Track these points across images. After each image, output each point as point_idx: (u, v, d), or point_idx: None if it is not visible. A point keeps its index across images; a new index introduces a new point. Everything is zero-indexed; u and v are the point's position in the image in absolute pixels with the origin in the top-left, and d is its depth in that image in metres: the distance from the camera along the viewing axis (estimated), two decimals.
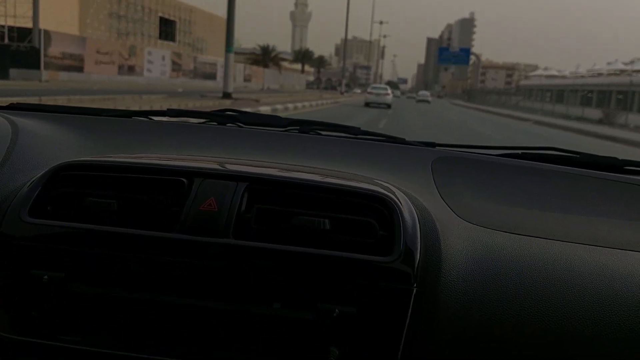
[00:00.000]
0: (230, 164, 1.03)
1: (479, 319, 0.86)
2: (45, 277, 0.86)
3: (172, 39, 52.01)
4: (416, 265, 0.86)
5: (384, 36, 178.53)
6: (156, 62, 43.57)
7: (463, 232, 0.96)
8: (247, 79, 63.44)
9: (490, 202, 1.12)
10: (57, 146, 1.16)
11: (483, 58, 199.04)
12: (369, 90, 35.23)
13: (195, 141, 1.29)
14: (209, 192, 0.90)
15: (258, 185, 0.92)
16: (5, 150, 1.07)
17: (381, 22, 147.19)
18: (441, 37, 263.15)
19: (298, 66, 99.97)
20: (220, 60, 53.16)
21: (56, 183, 0.94)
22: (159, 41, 49.86)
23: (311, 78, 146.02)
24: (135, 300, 0.87)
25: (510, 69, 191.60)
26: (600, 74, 48.98)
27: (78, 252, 0.88)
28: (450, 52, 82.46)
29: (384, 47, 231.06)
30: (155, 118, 1.45)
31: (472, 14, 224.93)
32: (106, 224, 0.89)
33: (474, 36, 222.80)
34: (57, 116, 1.34)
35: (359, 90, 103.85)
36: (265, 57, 76.25)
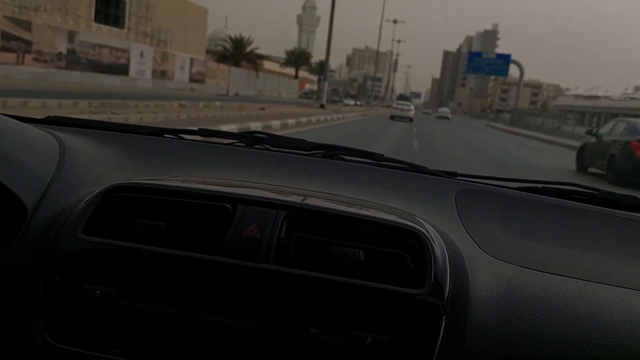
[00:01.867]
0: (270, 190, 1.08)
1: (502, 353, 0.88)
2: (98, 292, 0.91)
3: (119, 23, 37.37)
4: (445, 298, 0.89)
5: (398, 41, 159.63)
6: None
7: (488, 267, 0.99)
8: (196, 79, 45.62)
9: (513, 237, 1.15)
10: (101, 164, 1.23)
11: None
12: (394, 105, 41.72)
13: (226, 163, 1.37)
14: (251, 218, 0.94)
15: (297, 213, 0.97)
16: (55, 166, 1.12)
17: (395, 21, 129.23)
18: (459, 50, 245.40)
19: (291, 71, 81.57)
20: (136, 46, 37.09)
21: (107, 203, 1.00)
22: (95, 24, 34.71)
23: (315, 87, 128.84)
24: (179, 318, 0.91)
25: (535, 87, 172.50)
26: None
27: (128, 270, 0.92)
28: (483, 59, 64.86)
29: (397, 58, 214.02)
30: (187, 137, 1.52)
31: (495, 25, 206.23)
32: (155, 244, 0.94)
33: (497, 50, 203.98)
34: (94, 133, 1.40)
35: (352, 102, 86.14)
36: (237, 52, 58.25)
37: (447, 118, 56.20)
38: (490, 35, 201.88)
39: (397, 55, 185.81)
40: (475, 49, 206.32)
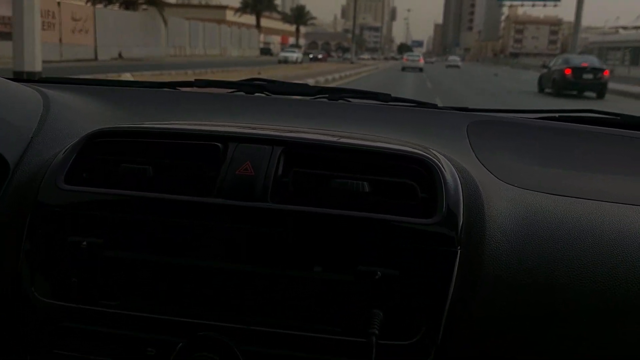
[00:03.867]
0: (266, 128, 1.02)
1: (522, 279, 0.85)
2: (84, 243, 0.87)
3: None
4: (460, 227, 0.85)
5: None
6: None
7: (505, 194, 0.95)
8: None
9: (530, 164, 1.10)
10: (89, 116, 1.18)
11: (519, 11, 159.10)
12: (404, 57, 48.14)
13: (224, 110, 1.32)
14: (244, 156, 0.90)
15: (294, 148, 0.92)
16: (38, 120, 1.09)
17: None
18: None
19: (251, 20, 62.67)
20: None
21: (90, 150, 0.95)
22: None
23: (302, 41, 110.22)
24: (173, 265, 0.88)
25: (554, 25, 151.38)
26: None
27: (115, 218, 0.89)
28: None
29: (395, 7, 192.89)
30: (183, 89, 1.50)
31: None
32: (142, 190, 0.90)
33: None
34: (88, 88, 1.38)
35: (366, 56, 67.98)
36: None
37: (457, 66, 57.95)
38: None
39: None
40: None
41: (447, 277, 0.83)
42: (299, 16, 78.05)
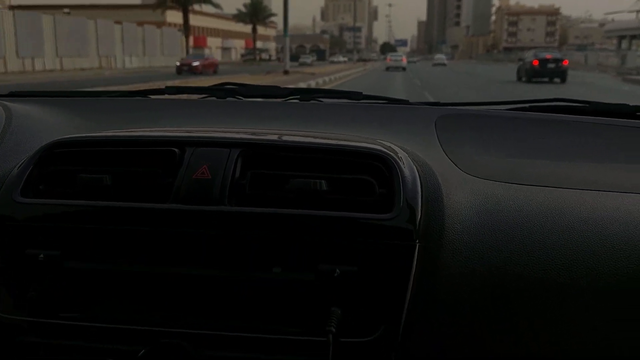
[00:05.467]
0: (224, 132, 1.02)
1: (484, 271, 0.84)
2: (41, 256, 0.86)
3: None
4: (418, 220, 0.85)
5: None
6: None
7: (466, 185, 0.95)
8: None
9: (496, 155, 1.11)
10: (53, 128, 1.16)
11: (511, 1, 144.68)
12: (388, 57, 48.68)
13: (193, 116, 1.29)
14: (201, 160, 0.89)
15: (252, 150, 0.92)
16: None
17: None
18: None
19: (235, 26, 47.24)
20: None
21: (49, 162, 0.94)
22: None
23: (273, 44, 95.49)
24: (132, 274, 0.87)
25: (551, 15, 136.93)
26: None
27: (72, 229, 0.88)
28: None
29: (376, 6, 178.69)
30: (154, 97, 1.47)
31: None
32: (99, 199, 0.89)
33: None
34: (56, 100, 1.36)
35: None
36: None
37: (444, 64, 58.88)
38: None
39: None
40: None
41: (406, 271, 0.83)
42: (255, 13, 62.46)
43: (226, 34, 71.93)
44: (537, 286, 0.84)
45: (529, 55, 24.69)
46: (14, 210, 0.89)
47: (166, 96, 1.44)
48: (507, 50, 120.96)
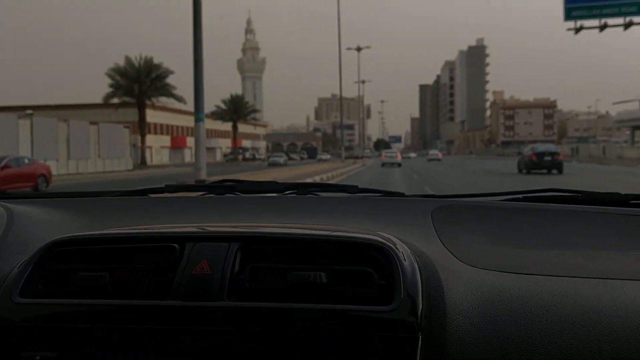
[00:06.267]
0: (222, 226, 1.04)
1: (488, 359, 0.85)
2: (37, 357, 0.86)
3: None
4: (419, 312, 0.85)
5: (362, 81, 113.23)
6: None
7: (465, 276, 0.96)
8: None
9: (492, 245, 1.12)
10: (53, 228, 1.18)
11: (505, 96, 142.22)
12: (383, 154, 49.80)
13: (193, 213, 1.31)
14: (201, 255, 0.90)
15: (251, 244, 0.92)
16: (0, 235, 1.11)
17: (363, 82, 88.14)
18: (437, 81, 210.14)
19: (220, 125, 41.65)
20: None
21: (49, 261, 0.95)
22: None
23: (263, 143, 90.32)
24: None
25: (548, 107, 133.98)
26: None
27: (69, 329, 0.88)
28: None
29: (369, 105, 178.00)
30: (154, 195, 1.50)
31: (480, 40, 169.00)
32: (99, 297, 0.89)
33: (488, 69, 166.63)
34: (56, 201, 1.39)
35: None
36: None
37: (438, 160, 60.39)
38: (477, 52, 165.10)
39: (362, 95, 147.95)
40: (460, 71, 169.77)
41: None
42: (235, 109, 56.92)
43: (211, 133, 66.54)
44: None
45: (527, 150, 29.26)
46: (12, 312, 0.89)
47: (165, 194, 1.47)
48: (505, 144, 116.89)
